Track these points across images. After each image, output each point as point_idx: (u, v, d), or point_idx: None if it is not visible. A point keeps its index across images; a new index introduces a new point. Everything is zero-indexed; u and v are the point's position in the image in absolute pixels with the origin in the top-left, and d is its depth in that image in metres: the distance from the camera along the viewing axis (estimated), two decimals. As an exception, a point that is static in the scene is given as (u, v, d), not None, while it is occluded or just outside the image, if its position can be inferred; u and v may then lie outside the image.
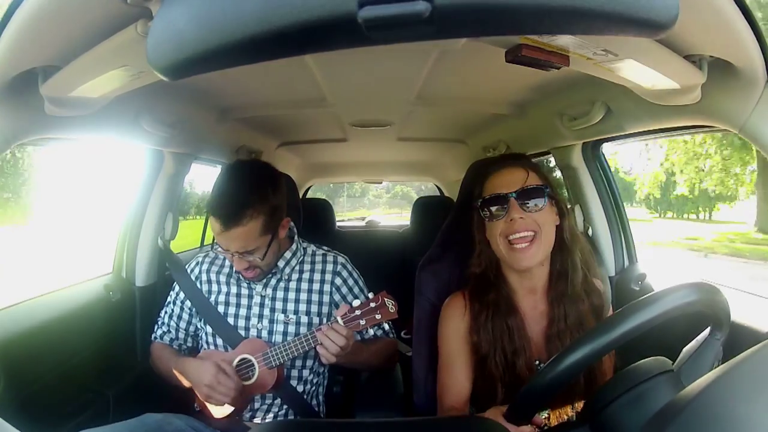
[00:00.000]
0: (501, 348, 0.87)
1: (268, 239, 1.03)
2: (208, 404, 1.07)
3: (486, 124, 1.72)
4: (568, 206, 0.92)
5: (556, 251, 0.90)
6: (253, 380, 1.04)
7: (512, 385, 0.85)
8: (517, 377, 0.85)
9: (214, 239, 1.13)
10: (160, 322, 1.22)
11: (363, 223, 3.57)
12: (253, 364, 1.04)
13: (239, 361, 1.05)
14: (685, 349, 0.63)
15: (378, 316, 0.99)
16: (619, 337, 0.56)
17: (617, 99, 1.01)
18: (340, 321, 0.98)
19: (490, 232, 0.90)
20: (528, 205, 0.86)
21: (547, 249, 0.88)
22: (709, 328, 0.62)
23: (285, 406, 1.11)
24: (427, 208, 2.32)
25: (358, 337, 1.14)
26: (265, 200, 1.01)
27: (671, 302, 0.57)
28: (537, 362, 0.88)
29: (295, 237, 1.19)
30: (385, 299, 1.00)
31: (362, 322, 0.98)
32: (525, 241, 0.85)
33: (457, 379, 0.91)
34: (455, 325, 0.93)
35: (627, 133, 1.12)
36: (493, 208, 0.89)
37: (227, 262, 1.18)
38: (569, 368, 0.58)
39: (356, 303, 1.00)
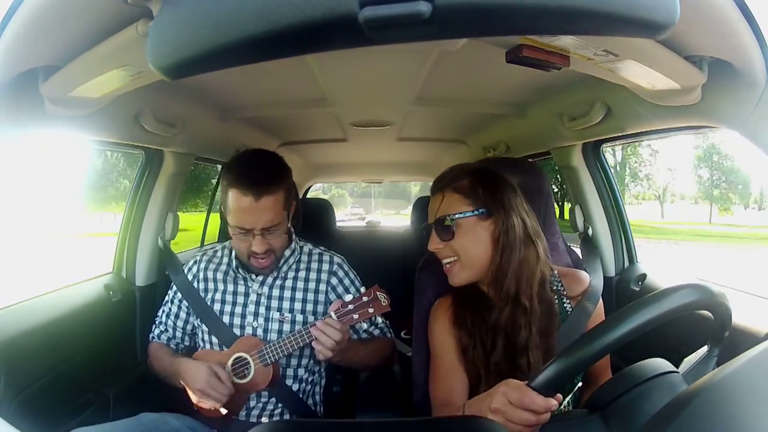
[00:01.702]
0: (480, 340, 0.88)
1: (286, 216, 1.06)
2: (201, 405, 1.07)
3: (486, 124, 1.72)
4: (510, 204, 0.89)
5: (499, 262, 0.88)
6: (248, 378, 1.04)
7: (495, 378, 0.83)
8: (497, 371, 0.85)
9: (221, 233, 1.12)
10: (157, 321, 1.22)
11: (363, 224, 3.57)
12: (248, 362, 1.04)
13: (234, 359, 1.05)
14: (686, 360, 0.64)
15: (371, 310, 0.99)
16: (652, 320, 0.55)
17: (617, 99, 1.01)
18: (334, 316, 0.98)
19: None
20: (443, 234, 0.90)
21: (475, 268, 0.89)
22: (707, 345, 0.63)
23: (280, 405, 1.10)
24: (427, 209, 2.32)
25: (355, 336, 1.14)
26: (286, 176, 1.05)
27: (696, 291, 0.57)
28: (526, 362, 0.88)
29: (293, 236, 1.20)
30: (377, 293, 1.01)
31: (355, 316, 0.99)
32: (449, 264, 0.90)
33: (447, 376, 0.91)
34: (441, 324, 0.94)
35: (627, 133, 1.12)
36: (427, 236, 0.93)
37: (225, 260, 1.18)
38: (602, 347, 0.57)
39: (348, 298, 1.01)
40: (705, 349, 0.63)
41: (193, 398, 1.03)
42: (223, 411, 1.04)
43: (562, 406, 0.86)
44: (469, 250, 0.88)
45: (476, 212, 0.88)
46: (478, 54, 0.94)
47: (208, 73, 0.40)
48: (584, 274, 0.98)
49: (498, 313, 0.89)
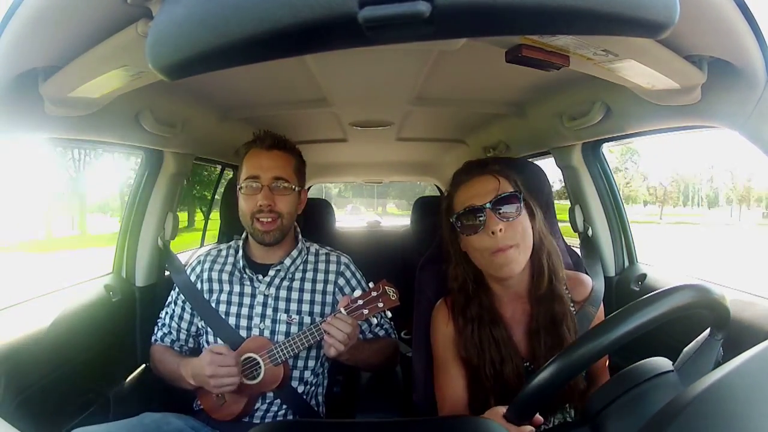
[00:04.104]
0: (489, 358, 0.87)
1: (295, 185, 1.12)
2: (217, 409, 1.06)
3: (486, 124, 1.72)
4: (536, 208, 0.91)
5: (533, 253, 0.89)
6: (259, 379, 1.03)
7: (502, 393, 0.85)
8: (505, 386, 0.85)
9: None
10: (160, 324, 1.21)
11: (364, 224, 3.57)
12: (258, 363, 1.03)
13: (243, 360, 1.04)
14: (685, 350, 0.63)
15: (380, 304, 0.99)
16: (618, 339, 0.56)
17: (617, 99, 1.01)
18: (344, 311, 0.98)
19: (470, 246, 0.88)
20: (504, 214, 0.84)
21: (528, 254, 0.86)
22: (709, 329, 0.62)
23: (285, 407, 1.10)
24: (427, 208, 2.32)
25: (361, 337, 1.13)
26: (296, 149, 1.18)
27: (671, 303, 0.57)
28: (527, 363, 0.88)
29: (299, 236, 1.20)
30: (386, 287, 1.01)
31: (365, 312, 0.98)
32: (506, 250, 0.83)
33: (453, 384, 0.91)
34: (443, 333, 0.93)
35: (627, 133, 1.12)
36: (470, 222, 0.86)
37: (231, 259, 1.17)
38: (567, 369, 0.58)
39: (357, 293, 1.01)
40: (705, 334, 0.63)
41: (213, 390, 1.00)
42: (238, 409, 1.04)
43: (566, 415, 0.87)
44: (527, 232, 0.86)
45: (521, 198, 0.87)
46: (477, 54, 0.94)
47: (208, 73, 0.40)
48: (587, 278, 0.98)
49: (536, 308, 0.89)
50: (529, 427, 0.65)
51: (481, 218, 0.84)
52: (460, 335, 0.90)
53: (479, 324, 0.88)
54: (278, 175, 1.09)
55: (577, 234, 1.47)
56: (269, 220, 1.08)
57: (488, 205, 0.84)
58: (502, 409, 0.67)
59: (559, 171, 1.51)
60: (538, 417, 0.66)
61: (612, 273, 1.40)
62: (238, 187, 1.12)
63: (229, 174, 2.08)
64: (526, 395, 0.61)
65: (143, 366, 1.26)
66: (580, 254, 1.31)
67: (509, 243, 0.83)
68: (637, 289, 1.30)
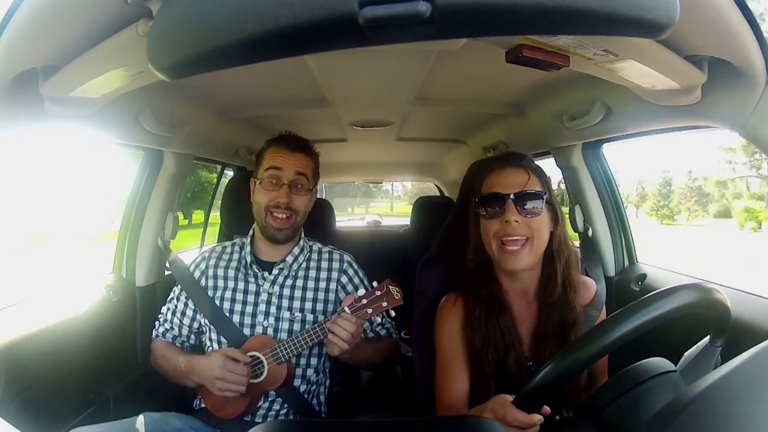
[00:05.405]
0: (493, 345, 0.87)
1: (312, 185, 1.16)
2: (220, 407, 1.05)
3: (486, 124, 1.72)
4: (561, 215, 0.92)
5: (548, 257, 0.90)
6: (262, 378, 1.03)
7: (504, 383, 0.85)
8: (508, 376, 0.85)
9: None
10: (162, 320, 1.21)
11: (364, 224, 3.57)
12: (261, 361, 1.03)
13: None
14: (686, 354, 0.64)
15: (384, 304, 0.99)
16: (631, 331, 0.56)
17: (617, 99, 1.01)
18: (348, 310, 0.98)
19: (484, 230, 0.90)
20: (525, 209, 0.85)
21: (538, 254, 0.87)
22: (708, 336, 0.63)
23: (286, 406, 1.10)
24: (427, 208, 2.32)
25: (362, 335, 1.13)
26: (316, 152, 1.21)
27: (681, 298, 0.57)
28: (529, 363, 0.88)
29: (302, 234, 1.20)
30: (390, 287, 1.01)
31: (369, 311, 0.98)
32: (517, 244, 0.84)
33: (454, 379, 0.91)
34: (450, 325, 0.93)
35: (627, 133, 1.12)
36: (490, 207, 0.88)
37: (236, 256, 1.18)
38: (581, 360, 0.58)
39: (361, 292, 1.01)
40: (706, 340, 0.63)
41: (215, 392, 1.00)
42: (241, 408, 1.04)
43: (564, 412, 0.87)
44: (542, 232, 0.86)
45: (548, 201, 0.88)
46: (478, 54, 0.94)
47: (208, 73, 0.40)
48: (592, 282, 0.99)
49: (545, 314, 0.89)
50: (539, 416, 0.64)
51: (501, 206, 0.86)
52: (468, 317, 0.91)
53: (487, 309, 0.89)
54: (299, 174, 1.12)
55: (576, 234, 1.47)
56: (284, 216, 1.10)
57: (512, 196, 0.85)
58: (510, 397, 0.66)
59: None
60: (546, 408, 0.66)
61: (612, 273, 1.40)
62: (255, 179, 1.14)
63: (229, 174, 2.08)
64: (540, 381, 0.61)
65: (143, 366, 1.26)
66: (579, 254, 1.32)
67: (521, 234, 0.84)
68: (637, 289, 1.30)
